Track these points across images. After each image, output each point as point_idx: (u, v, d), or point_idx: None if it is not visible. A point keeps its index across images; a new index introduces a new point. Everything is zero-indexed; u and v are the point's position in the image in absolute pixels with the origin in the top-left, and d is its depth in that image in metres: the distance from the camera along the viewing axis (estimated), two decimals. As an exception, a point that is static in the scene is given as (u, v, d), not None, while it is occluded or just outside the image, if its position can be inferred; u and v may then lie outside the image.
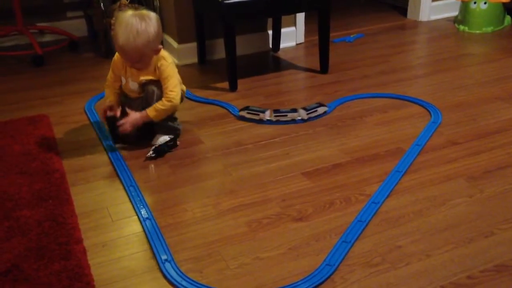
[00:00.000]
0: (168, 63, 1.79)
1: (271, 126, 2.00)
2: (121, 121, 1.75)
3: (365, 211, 1.46)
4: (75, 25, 3.24)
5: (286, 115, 2.01)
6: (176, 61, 2.69)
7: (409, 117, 2.05)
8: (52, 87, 2.47)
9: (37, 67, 2.75)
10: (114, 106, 1.81)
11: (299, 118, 2.00)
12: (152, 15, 1.73)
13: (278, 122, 2.01)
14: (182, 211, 1.50)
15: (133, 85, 1.82)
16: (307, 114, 2.02)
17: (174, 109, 1.81)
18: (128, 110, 1.77)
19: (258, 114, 2.02)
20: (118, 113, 1.79)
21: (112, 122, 1.81)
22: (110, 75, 1.85)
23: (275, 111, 2.04)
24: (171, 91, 1.77)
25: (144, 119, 1.77)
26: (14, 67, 2.77)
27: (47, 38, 3.17)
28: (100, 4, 2.73)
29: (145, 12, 1.72)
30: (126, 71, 1.81)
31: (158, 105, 1.77)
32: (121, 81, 1.84)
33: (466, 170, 1.66)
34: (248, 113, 2.04)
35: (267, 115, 2.02)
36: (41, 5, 3.14)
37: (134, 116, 1.76)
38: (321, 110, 2.06)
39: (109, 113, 1.79)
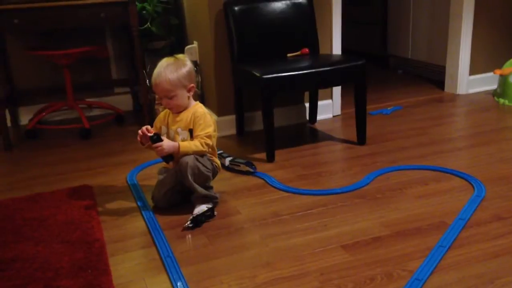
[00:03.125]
0: (204, 111, 1.90)
1: (308, 197, 1.99)
2: (157, 144, 1.82)
3: (408, 288, 1.40)
4: (121, 100, 3.42)
5: (238, 165, 2.28)
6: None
7: (451, 190, 2.00)
8: (97, 159, 2.57)
9: (85, 140, 2.89)
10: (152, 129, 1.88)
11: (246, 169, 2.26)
12: (186, 59, 1.91)
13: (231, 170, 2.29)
14: (218, 283, 1.47)
15: (172, 134, 1.93)
16: (230, 162, 2.29)
17: (202, 153, 1.88)
18: (164, 138, 1.86)
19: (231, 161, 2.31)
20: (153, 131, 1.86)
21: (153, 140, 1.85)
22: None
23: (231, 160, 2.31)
24: (207, 137, 1.86)
25: (175, 149, 1.84)
26: (63, 140, 2.91)
27: (95, 112, 3.35)
28: (146, 81, 2.89)
29: (180, 56, 1.92)
30: (167, 121, 1.94)
31: (192, 144, 1.85)
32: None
33: (515, 246, 1.58)
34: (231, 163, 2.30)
35: (226, 162, 2.30)
36: (91, 82, 3.36)
37: (169, 142, 1.85)
38: (243, 167, 2.26)
39: (149, 132, 1.83)
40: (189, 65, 1.89)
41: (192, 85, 1.89)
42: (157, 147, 1.82)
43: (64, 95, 3.01)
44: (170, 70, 1.84)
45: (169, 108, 1.92)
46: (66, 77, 2.96)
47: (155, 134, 1.83)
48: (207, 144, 1.86)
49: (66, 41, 2.97)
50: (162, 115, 1.98)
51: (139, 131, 1.85)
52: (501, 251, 1.56)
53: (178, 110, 1.91)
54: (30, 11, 2.65)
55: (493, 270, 1.47)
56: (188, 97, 1.90)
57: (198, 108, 1.91)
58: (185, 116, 1.90)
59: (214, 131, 1.92)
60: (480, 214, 1.79)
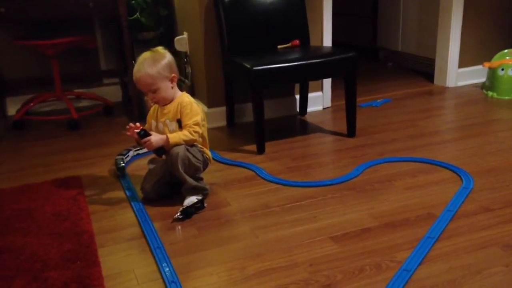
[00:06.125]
0: (190, 100, 1.89)
1: (298, 189, 2.00)
2: (146, 139, 1.83)
3: (397, 279, 1.41)
4: (110, 91, 3.39)
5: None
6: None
7: (439, 182, 2.02)
8: (86, 150, 2.55)
9: (73, 131, 2.86)
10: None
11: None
12: (165, 51, 1.90)
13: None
14: (208, 274, 1.48)
15: (161, 126, 1.92)
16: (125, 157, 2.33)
17: (192, 142, 1.88)
18: (152, 132, 1.86)
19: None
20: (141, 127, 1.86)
21: (141, 136, 1.85)
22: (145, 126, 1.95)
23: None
24: (195, 125, 1.86)
25: (164, 142, 1.84)
26: (51, 131, 2.89)
27: (83, 103, 3.32)
28: (135, 71, 2.87)
29: (159, 48, 1.90)
30: (156, 115, 1.94)
31: (181, 134, 1.85)
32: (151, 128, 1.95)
33: (502, 238, 1.59)
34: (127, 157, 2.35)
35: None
36: (79, 73, 3.32)
37: (157, 136, 1.85)
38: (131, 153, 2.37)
39: (137, 128, 1.84)
40: (168, 56, 1.88)
41: (174, 75, 1.88)
42: (145, 141, 1.82)
43: (52, 85, 2.98)
44: (148, 63, 1.83)
45: (155, 102, 1.92)
46: (54, 68, 2.92)
47: (142, 129, 1.83)
48: (196, 132, 1.86)
49: (54, 31, 2.93)
50: (152, 110, 1.98)
51: (127, 127, 1.84)
52: (488, 242, 1.58)
53: (165, 102, 1.90)
54: (17, 0, 2.61)
55: (480, 261, 1.48)
56: (172, 87, 1.89)
57: (184, 97, 1.91)
58: (172, 107, 1.89)
59: (203, 120, 1.92)
60: (468, 205, 1.81)
